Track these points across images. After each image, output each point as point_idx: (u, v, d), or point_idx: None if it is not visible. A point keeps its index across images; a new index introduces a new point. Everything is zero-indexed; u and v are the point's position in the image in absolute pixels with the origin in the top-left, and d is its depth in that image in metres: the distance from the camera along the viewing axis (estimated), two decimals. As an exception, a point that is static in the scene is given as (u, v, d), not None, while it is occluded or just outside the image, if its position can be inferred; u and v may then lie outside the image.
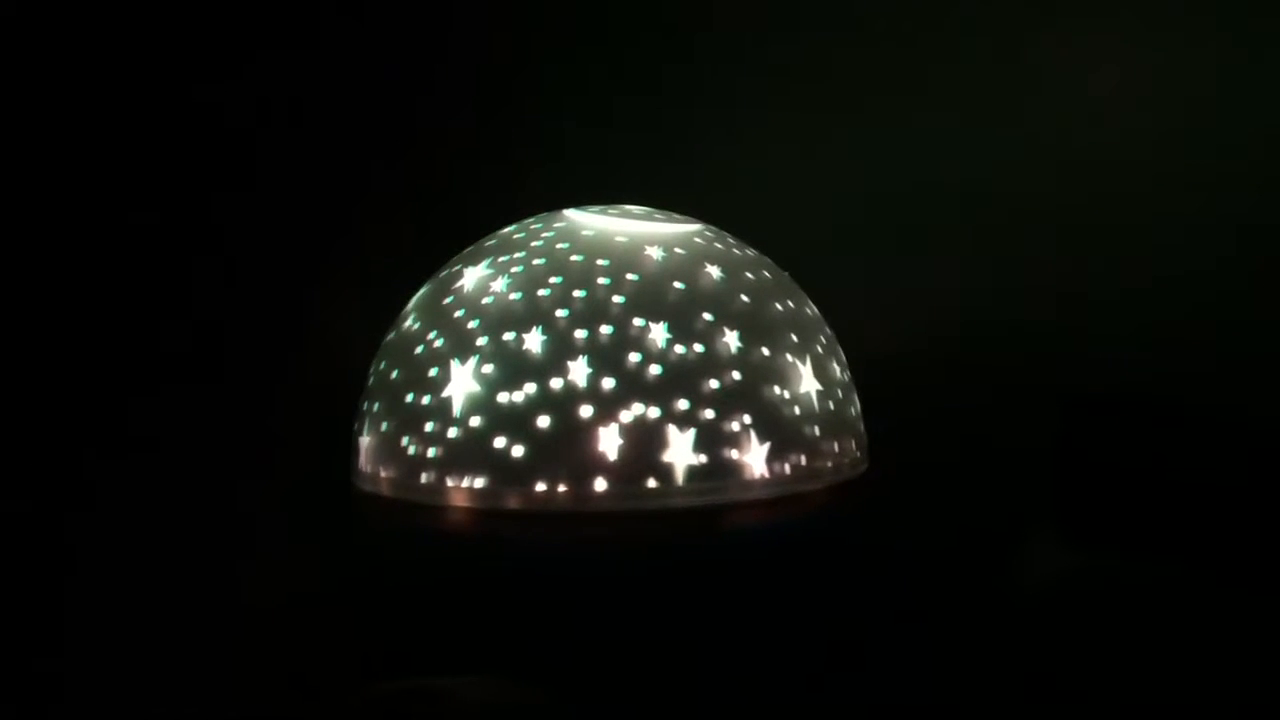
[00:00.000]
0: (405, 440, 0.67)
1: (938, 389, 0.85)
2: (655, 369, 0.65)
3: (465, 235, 0.75)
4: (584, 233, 0.70)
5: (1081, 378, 0.84)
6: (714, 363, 0.66)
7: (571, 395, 0.64)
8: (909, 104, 0.88)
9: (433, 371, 0.67)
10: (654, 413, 0.64)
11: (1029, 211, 0.87)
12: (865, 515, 0.69)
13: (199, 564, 0.77)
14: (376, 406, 0.70)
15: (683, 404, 0.65)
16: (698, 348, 0.66)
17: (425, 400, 0.67)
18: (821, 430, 0.68)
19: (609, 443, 0.64)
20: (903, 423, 0.76)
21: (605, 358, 0.65)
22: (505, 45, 0.89)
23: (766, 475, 0.66)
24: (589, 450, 0.64)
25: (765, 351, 0.67)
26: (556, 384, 0.65)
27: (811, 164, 0.88)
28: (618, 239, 0.70)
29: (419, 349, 0.68)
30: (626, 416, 0.64)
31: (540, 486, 0.64)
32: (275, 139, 0.86)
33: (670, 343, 0.65)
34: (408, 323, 0.71)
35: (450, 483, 0.65)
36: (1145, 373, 0.83)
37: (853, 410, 0.71)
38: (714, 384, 0.65)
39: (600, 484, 0.64)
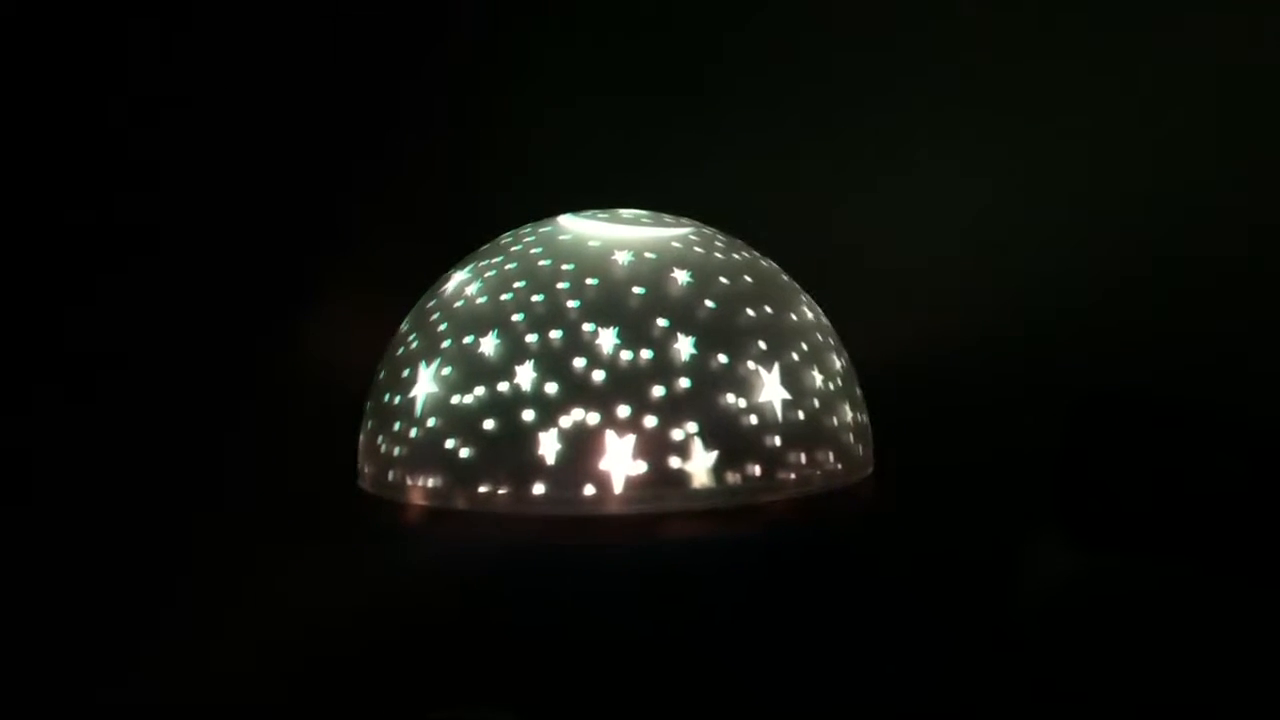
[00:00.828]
0: (380, 438, 0.69)
1: (944, 394, 0.83)
2: (599, 375, 0.65)
3: (482, 240, 0.76)
4: (560, 237, 0.70)
5: (1088, 379, 0.83)
6: (663, 369, 0.65)
7: (517, 399, 0.65)
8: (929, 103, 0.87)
9: (405, 372, 0.69)
10: (594, 419, 0.64)
11: (1036, 210, 0.86)
12: (823, 530, 0.67)
13: (202, 558, 0.79)
14: (368, 405, 0.72)
15: (624, 410, 0.64)
16: (645, 354, 0.65)
17: (397, 400, 0.69)
18: (785, 441, 0.66)
19: (548, 447, 0.64)
20: (910, 430, 0.73)
21: (552, 362, 0.65)
22: (531, 45, 0.90)
23: (714, 485, 0.65)
24: (529, 454, 0.64)
25: (722, 359, 0.66)
26: (504, 387, 0.65)
27: (823, 166, 0.88)
28: (590, 244, 0.70)
29: (400, 350, 0.70)
30: (566, 422, 0.64)
31: (483, 488, 0.65)
32: (286, 134, 0.87)
33: (618, 348, 0.65)
34: (402, 325, 0.73)
35: (409, 481, 0.67)
36: (1150, 373, 0.83)
37: (836, 420, 0.69)
38: (659, 391, 0.64)
39: (539, 488, 0.64)
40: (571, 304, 0.67)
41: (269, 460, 0.84)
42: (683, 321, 0.66)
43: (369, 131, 0.88)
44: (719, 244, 0.72)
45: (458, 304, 0.69)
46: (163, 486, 0.82)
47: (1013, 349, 0.84)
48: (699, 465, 0.64)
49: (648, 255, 0.69)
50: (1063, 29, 0.85)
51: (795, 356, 0.68)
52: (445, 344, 0.68)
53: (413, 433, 0.67)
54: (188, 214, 0.86)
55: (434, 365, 0.68)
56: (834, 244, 0.85)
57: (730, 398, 0.65)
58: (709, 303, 0.67)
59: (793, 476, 0.66)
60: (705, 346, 0.66)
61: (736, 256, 0.71)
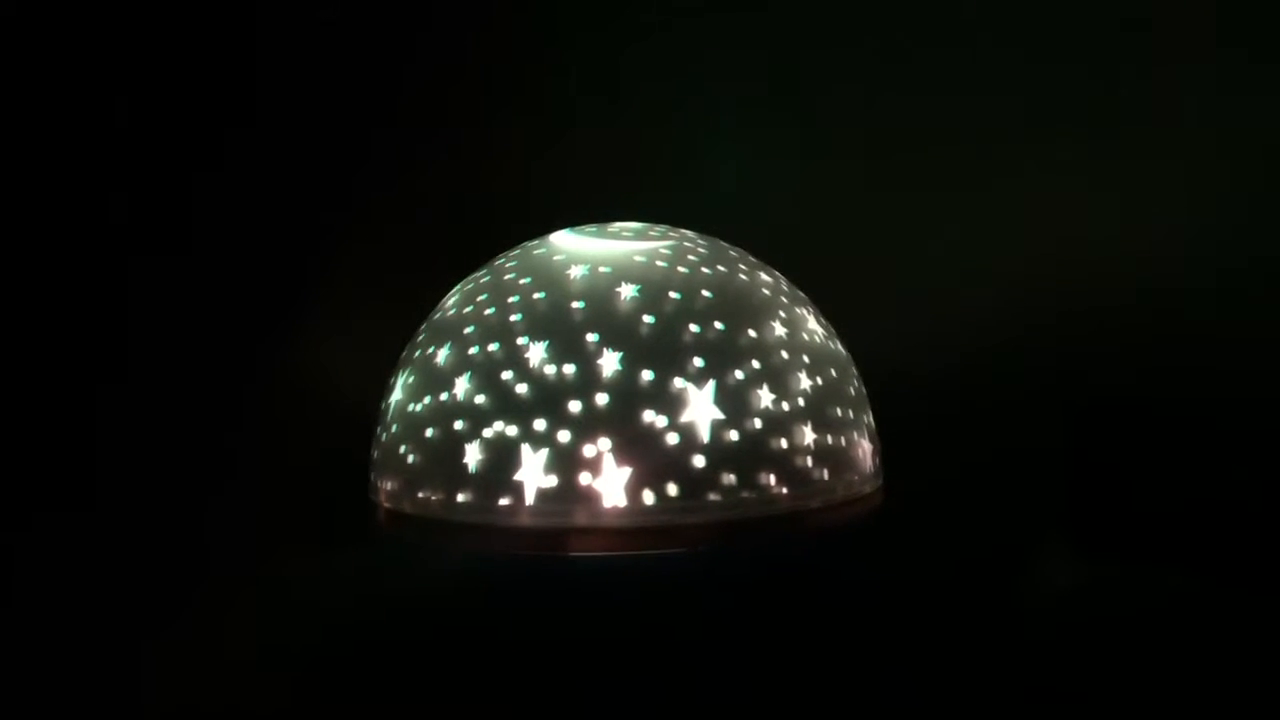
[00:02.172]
0: (371, 442, 0.73)
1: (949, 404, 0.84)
2: (523, 388, 0.66)
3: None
4: (535, 252, 0.72)
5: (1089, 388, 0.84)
6: (585, 384, 0.65)
7: (454, 409, 0.67)
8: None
9: (391, 379, 0.73)
10: (512, 431, 0.65)
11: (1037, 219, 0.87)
12: (737, 561, 0.65)
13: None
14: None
15: (540, 424, 0.65)
16: (569, 369, 0.65)
17: (382, 406, 0.72)
18: (712, 461, 0.64)
19: (472, 457, 0.66)
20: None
21: (485, 375, 0.67)
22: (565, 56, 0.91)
23: (624, 504, 0.64)
24: (457, 463, 0.66)
25: (647, 376, 0.65)
26: (444, 397, 0.68)
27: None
28: (555, 258, 0.70)
29: (400, 358, 0.74)
30: (489, 433, 0.66)
31: (421, 494, 0.67)
32: (309, 131, 0.89)
33: (544, 362, 0.66)
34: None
35: (379, 484, 0.71)
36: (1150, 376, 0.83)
37: (784, 443, 0.66)
38: (576, 406, 0.65)
39: (462, 496, 0.66)
40: (514, 318, 0.68)
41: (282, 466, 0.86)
42: (614, 337, 0.66)
43: (386, 135, 0.91)
44: (694, 258, 0.70)
45: (437, 315, 0.72)
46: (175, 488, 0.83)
47: (1012, 361, 0.85)
48: (609, 482, 0.64)
49: (601, 270, 0.69)
50: (1055, 26, 0.85)
51: (740, 375, 0.66)
52: (416, 354, 0.71)
53: (384, 438, 0.71)
54: (195, 224, 0.88)
55: (404, 373, 0.71)
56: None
57: (650, 415, 0.64)
58: (648, 318, 0.67)
59: (717, 499, 0.65)
60: (632, 362, 0.65)
61: (708, 271, 0.70)
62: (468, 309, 0.70)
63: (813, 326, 0.71)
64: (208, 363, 0.86)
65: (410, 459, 0.68)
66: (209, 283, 0.86)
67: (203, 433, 0.85)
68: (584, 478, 0.64)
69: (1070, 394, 0.86)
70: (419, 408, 0.69)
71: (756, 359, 0.67)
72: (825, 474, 0.67)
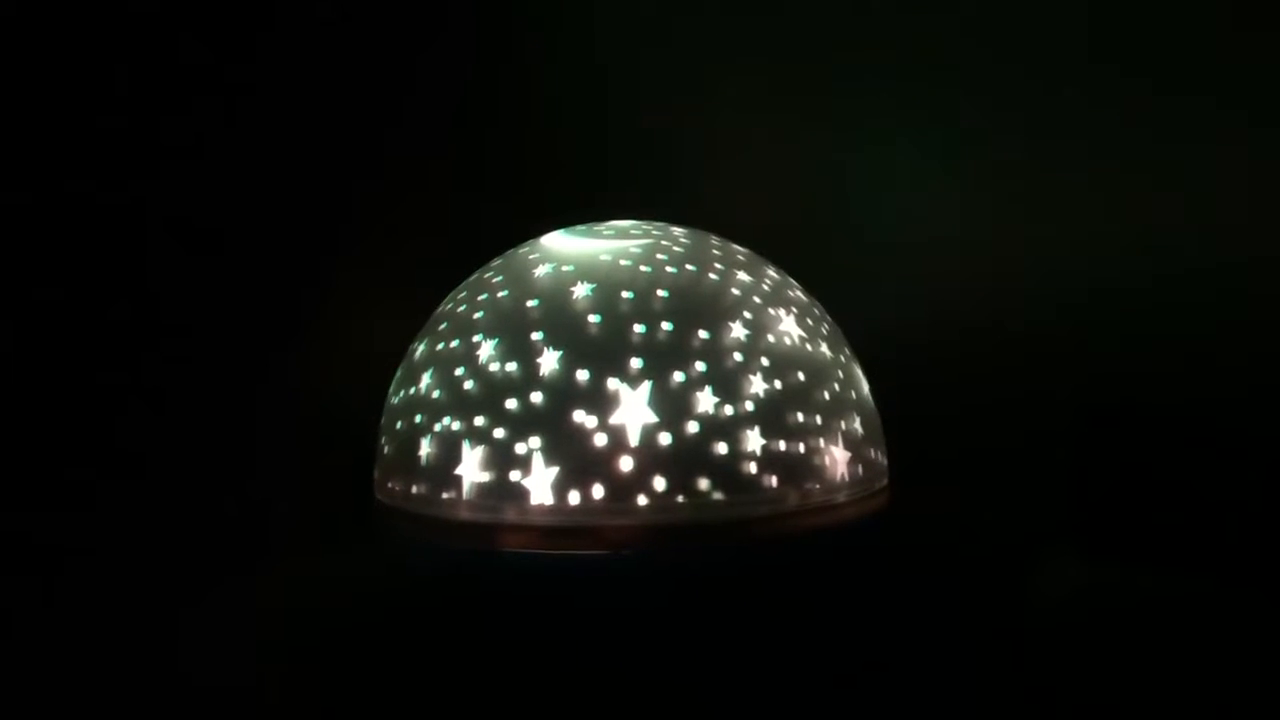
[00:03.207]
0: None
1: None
2: (470, 384, 0.67)
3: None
4: (519, 251, 0.72)
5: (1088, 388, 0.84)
6: (525, 383, 0.65)
7: (418, 403, 0.69)
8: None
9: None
10: (456, 426, 0.66)
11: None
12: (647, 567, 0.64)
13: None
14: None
15: (480, 420, 0.66)
16: (511, 366, 0.66)
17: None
18: (642, 464, 0.64)
19: (425, 450, 0.67)
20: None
21: (443, 370, 0.68)
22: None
23: (550, 502, 0.64)
24: (413, 456, 0.68)
25: (583, 375, 0.65)
26: (412, 391, 0.69)
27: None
28: (530, 257, 0.71)
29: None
30: (438, 427, 0.67)
31: (390, 484, 0.70)
32: (318, 128, 0.90)
33: (491, 359, 0.67)
34: None
35: (376, 475, 0.73)
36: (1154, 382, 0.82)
37: (725, 448, 0.64)
38: (513, 404, 0.65)
39: (416, 488, 0.68)
40: (477, 315, 0.69)
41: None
42: (559, 335, 0.66)
43: (395, 133, 0.92)
44: (663, 257, 0.69)
45: (436, 312, 0.74)
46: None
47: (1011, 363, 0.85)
48: (538, 481, 0.64)
49: (564, 269, 0.69)
50: (1053, 30, 0.84)
51: (681, 377, 0.65)
52: (409, 348, 0.73)
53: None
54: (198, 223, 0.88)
55: (400, 368, 0.73)
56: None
57: (580, 415, 0.64)
58: (594, 318, 0.66)
59: (643, 503, 0.64)
60: (571, 362, 0.65)
61: (672, 270, 0.68)
62: (448, 305, 0.72)
63: (786, 329, 0.68)
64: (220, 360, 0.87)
65: (386, 450, 0.70)
66: (210, 281, 0.88)
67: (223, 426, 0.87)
68: (514, 475, 0.65)
69: (1073, 396, 0.85)
70: (396, 400, 0.71)
71: (704, 361, 0.65)
72: (774, 481, 0.65)
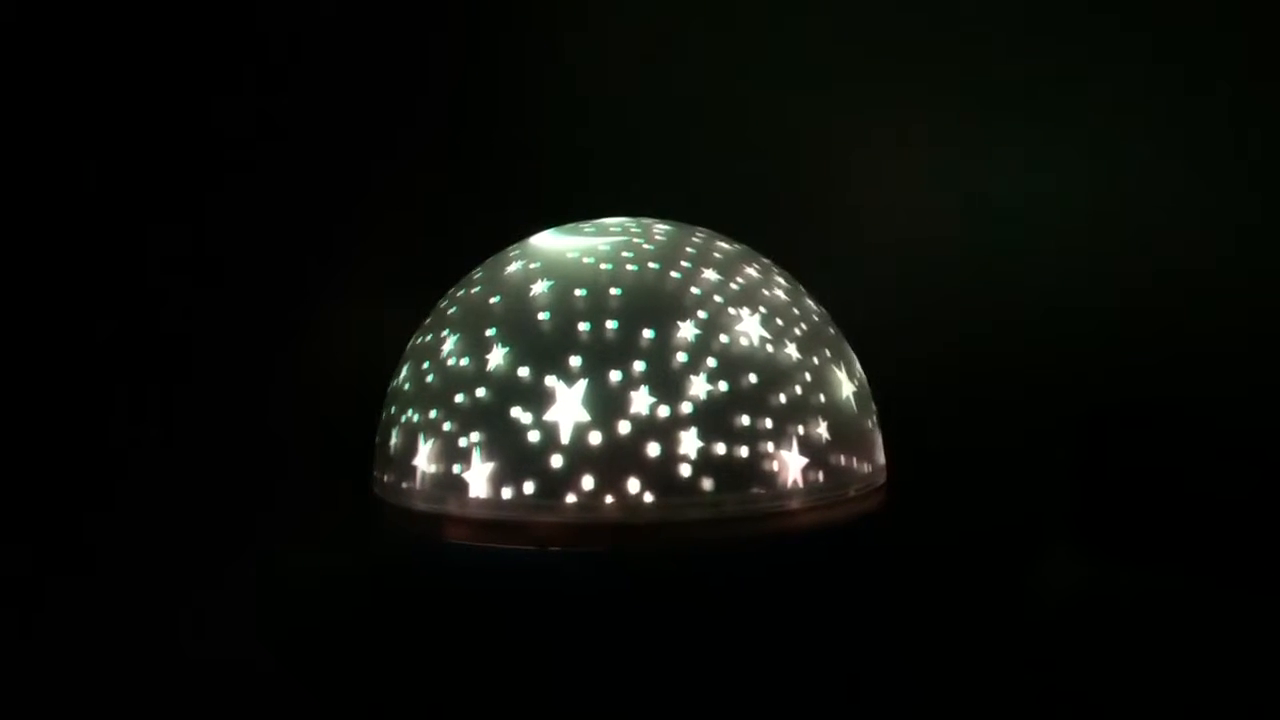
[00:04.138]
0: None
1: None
2: (430, 378, 0.69)
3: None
4: (509, 251, 0.73)
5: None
6: (475, 378, 0.67)
7: (395, 394, 0.71)
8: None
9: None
10: (416, 418, 0.68)
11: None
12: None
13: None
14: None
15: (433, 413, 0.67)
16: (464, 361, 0.67)
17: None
18: (570, 462, 0.64)
19: (393, 440, 0.70)
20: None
21: (415, 363, 0.70)
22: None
23: (484, 496, 0.65)
24: (386, 448, 0.71)
25: (523, 372, 0.66)
26: (394, 383, 0.72)
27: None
28: (511, 254, 0.72)
29: None
30: (404, 418, 0.69)
31: (375, 473, 0.72)
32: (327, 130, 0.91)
33: (450, 354, 0.68)
34: None
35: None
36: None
37: (658, 449, 0.64)
38: (460, 398, 0.67)
39: (388, 477, 0.70)
40: (451, 310, 0.71)
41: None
42: (508, 332, 0.67)
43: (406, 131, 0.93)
44: (629, 254, 0.69)
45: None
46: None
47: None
48: (476, 475, 0.66)
49: (531, 266, 0.70)
50: (1062, 23, 0.84)
51: (618, 376, 0.64)
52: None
53: (385, 417, 0.76)
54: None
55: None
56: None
57: (517, 411, 0.65)
58: (543, 315, 0.67)
59: (571, 501, 0.64)
60: (514, 358, 0.66)
61: (633, 268, 0.68)
62: (442, 303, 0.73)
63: (745, 330, 0.67)
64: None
65: (377, 439, 0.73)
66: (212, 283, 0.90)
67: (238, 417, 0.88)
68: (456, 468, 0.66)
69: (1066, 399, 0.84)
70: (387, 391, 0.73)
71: (644, 360, 0.65)
72: (710, 485, 0.64)
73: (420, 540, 0.67)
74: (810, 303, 0.72)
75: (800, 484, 0.66)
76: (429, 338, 0.70)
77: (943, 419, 0.81)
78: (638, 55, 0.93)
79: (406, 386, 0.70)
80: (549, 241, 0.72)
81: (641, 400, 0.64)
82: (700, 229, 0.73)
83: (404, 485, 0.68)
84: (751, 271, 0.70)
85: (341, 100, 0.90)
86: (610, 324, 0.66)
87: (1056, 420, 0.83)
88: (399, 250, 0.91)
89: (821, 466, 0.67)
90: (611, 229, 0.72)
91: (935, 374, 0.83)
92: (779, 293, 0.70)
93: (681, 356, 0.65)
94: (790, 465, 0.66)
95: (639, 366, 0.65)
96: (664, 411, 0.64)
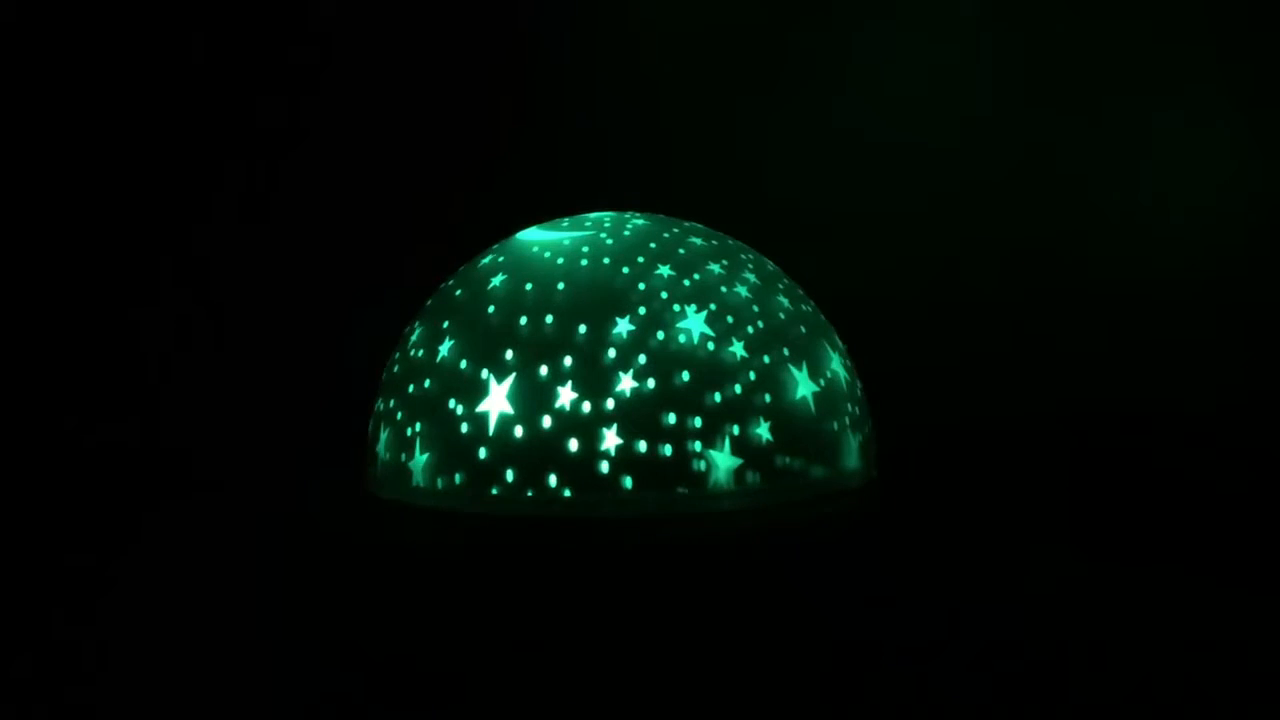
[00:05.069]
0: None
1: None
2: (396, 368, 0.71)
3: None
4: (493, 245, 0.74)
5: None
6: (425, 369, 0.68)
7: (383, 384, 0.73)
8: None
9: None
10: (381, 406, 0.71)
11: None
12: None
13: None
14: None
15: (391, 403, 0.70)
16: (419, 353, 0.69)
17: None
18: (494, 455, 0.65)
19: (370, 428, 0.72)
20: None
21: (395, 353, 0.72)
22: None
23: (424, 485, 0.67)
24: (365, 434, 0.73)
25: (463, 364, 0.67)
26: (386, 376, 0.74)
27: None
28: (493, 248, 0.73)
29: None
30: (378, 407, 0.72)
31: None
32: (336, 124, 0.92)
33: (413, 345, 0.70)
34: None
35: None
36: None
37: (576, 444, 0.64)
38: (410, 389, 0.68)
39: (369, 466, 0.72)
40: (428, 303, 0.72)
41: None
42: (458, 325, 0.68)
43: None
44: (587, 250, 0.69)
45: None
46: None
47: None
48: (418, 464, 0.67)
49: (498, 260, 0.71)
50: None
51: (544, 371, 0.65)
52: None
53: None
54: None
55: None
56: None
57: (452, 404, 0.66)
58: (490, 308, 0.68)
59: (497, 492, 0.65)
60: (458, 351, 0.67)
61: (585, 264, 0.68)
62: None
63: (687, 327, 0.66)
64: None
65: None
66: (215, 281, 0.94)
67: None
68: (403, 457, 0.68)
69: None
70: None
71: (573, 356, 0.65)
72: (630, 483, 0.63)
73: (371, 527, 0.69)
74: (783, 300, 0.69)
75: (731, 485, 0.64)
76: (407, 330, 0.72)
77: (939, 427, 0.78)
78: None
79: (384, 376, 0.72)
80: (528, 236, 0.72)
81: (565, 396, 0.64)
82: (688, 225, 0.72)
83: (369, 470, 0.70)
84: (714, 268, 0.69)
85: (361, 99, 0.94)
86: (548, 319, 0.66)
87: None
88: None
89: (761, 468, 0.65)
90: (587, 224, 0.72)
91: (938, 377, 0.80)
92: (741, 290, 0.68)
93: (611, 353, 0.65)
94: (721, 466, 0.64)
95: (567, 362, 0.65)
96: (586, 408, 0.64)
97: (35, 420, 0.88)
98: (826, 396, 0.68)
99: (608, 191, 0.79)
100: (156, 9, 0.91)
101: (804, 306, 0.71)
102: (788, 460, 0.66)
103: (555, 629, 0.62)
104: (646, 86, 0.94)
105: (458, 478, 0.65)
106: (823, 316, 0.73)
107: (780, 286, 0.70)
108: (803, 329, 0.69)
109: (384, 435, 0.69)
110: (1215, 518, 0.73)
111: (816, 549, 0.67)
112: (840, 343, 0.73)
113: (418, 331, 0.70)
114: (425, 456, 0.67)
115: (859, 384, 0.72)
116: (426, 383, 0.67)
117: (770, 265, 0.73)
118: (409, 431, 0.67)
